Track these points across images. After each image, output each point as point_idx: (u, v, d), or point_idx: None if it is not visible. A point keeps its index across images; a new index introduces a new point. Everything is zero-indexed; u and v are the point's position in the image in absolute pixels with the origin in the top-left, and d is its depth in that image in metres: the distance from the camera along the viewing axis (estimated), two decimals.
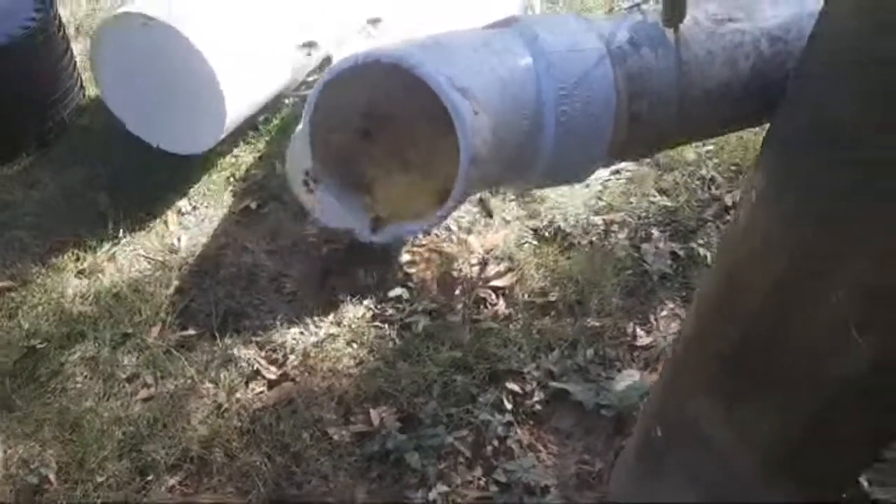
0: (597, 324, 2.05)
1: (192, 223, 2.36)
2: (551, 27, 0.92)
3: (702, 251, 2.20)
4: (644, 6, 1.01)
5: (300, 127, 2.12)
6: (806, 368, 1.05)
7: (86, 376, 1.96)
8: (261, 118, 2.63)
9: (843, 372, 1.02)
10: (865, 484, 1.78)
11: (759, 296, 1.04)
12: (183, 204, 2.40)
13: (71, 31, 2.89)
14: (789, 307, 1.01)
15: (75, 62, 2.61)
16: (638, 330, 2.06)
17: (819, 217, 0.90)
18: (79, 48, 2.80)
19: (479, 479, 1.75)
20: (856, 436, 1.14)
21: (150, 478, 1.77)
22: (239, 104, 2.37)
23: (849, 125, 0.84)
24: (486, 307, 2.10)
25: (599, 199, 2.37)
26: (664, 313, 2.11)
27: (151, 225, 2.33)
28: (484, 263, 2.20)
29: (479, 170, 0.80)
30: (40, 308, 2.10)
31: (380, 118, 0.89)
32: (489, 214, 2.33)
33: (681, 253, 2.22)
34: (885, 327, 0.92)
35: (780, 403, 1.13)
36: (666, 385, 1.40)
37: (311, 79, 2.74)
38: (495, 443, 1.82)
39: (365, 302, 2.12)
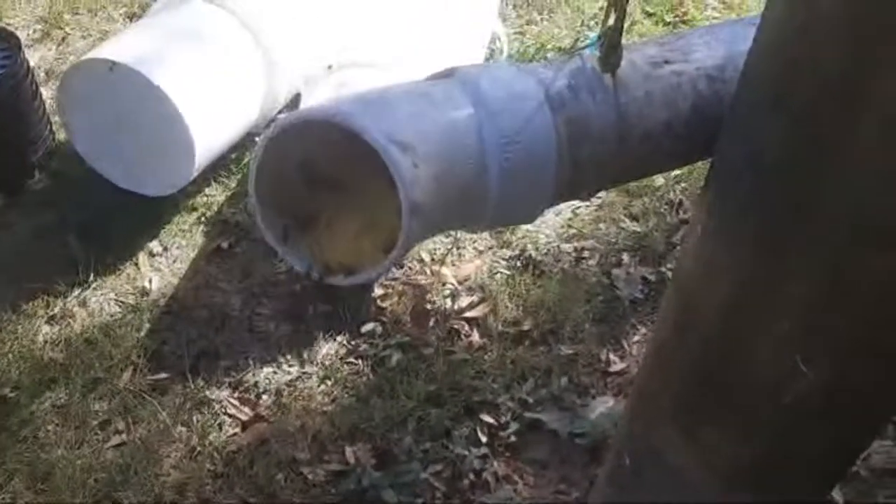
0: (570, 351, 2.06)
1: (163, 264, 2.36)
2: (492, 76, 0.94)
3: (672, 276, 2.22)
4: (585, 52, 1.03)
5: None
6: (761, 392, 1.07)
7: (57, 424, 1.95)
8: (232, 156, 2.64)
9: (796, 396, 1.03)
10: (840, 501, 1.79)
11: (711, 321, 1.05)
12: (154, 245, 2.40)
13: (41, 75, 2.90)
14: (738, 333, 1.03)
15: (45, 107, 2.62)
16: (611, 356, 2.07)
17: (755, 245, 0.92)
18: (49, 93, 2.80)
19: None
20: (819, 455, 1.15)
21: None
22: (208, 144, 2.38)
23: (776, 161, 0.86)
24: (460, 339, 2.11)
25: (570, 226, 2.39)
26: (636, 338, 2.12)
27: (122, 268, 2.32)
28: (457, 295, 2.21)
29: (422, 219, 0.81)
30: (10, 356, 2.08)
31: (324, 172, 0.91)
32: (459, 246, 2.35)
33: (651, 278, 2.24)
34: (829, 356, 0.94)
35: (740, 426, 1.14)
36: (631, 410, 1.41)
37: (280, 116, 2.76)
38: (471, 476, 1.82)
39: (338, 338, 2.12)
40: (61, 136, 2.65)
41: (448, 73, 0.96)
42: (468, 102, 0.90)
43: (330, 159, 0.92)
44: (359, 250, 0.87)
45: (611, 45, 0.98)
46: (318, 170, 0.92)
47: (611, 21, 1.01)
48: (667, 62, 1.04)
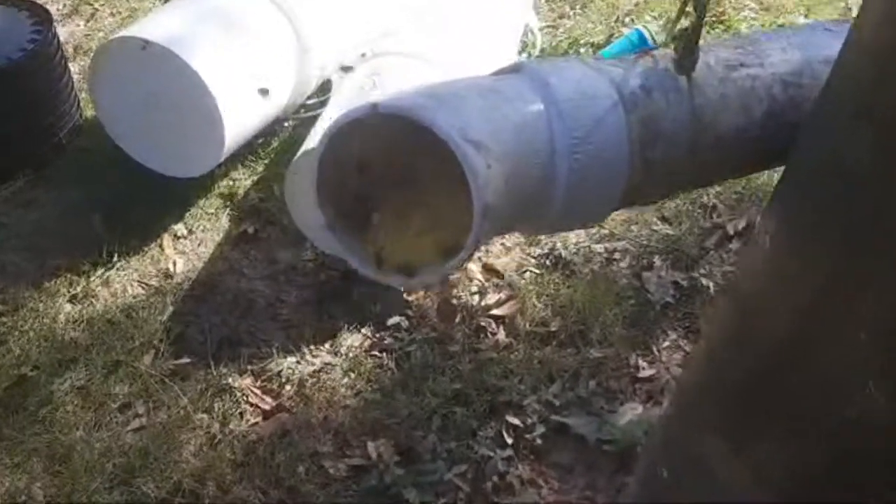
0: (599, 354, 2.02)
1: (188, 248, 2.33)
2: (561, 73, 0.90)
3: (704, 281, 2.18)
4: (655, 52, 0.99)
5: (299, 154, 2.10)
6: (825, 405, 1.03)
7: (77, 405, 1.92)
8: (259, 141, 2.61)
9: (862, 411, 0.99)
10: None
11: (779, 331, 1.01)
12: (179, 228, 2.37)
13: (69, 50, 2.87)
14: (809, 343, 0.99)
15: (73, 83, 2.59)
16: (640, 361, 2.03)
17: (837, 252, 0.88)
18: (77, 68, 2.78)
19: None
20: (881, 473, 1.11)
21: None
22: (238, 128, 2.35)
23: (863, 170, 0.83)
24: (486, 336, 2.07)
25: (601, 227, 2.34)
26: (666, 344, 2.08)
27: (147, 249, 2.29)
28: (484, 292, 2.17)
29: (491, 221, 0.78)
30: (31, 334, 2.06)
31: (382, 166, 0.87)
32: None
33: (683, 283, 2.20)
34: None
35: (799, 440, 1.10)
36: (671, 421, 1.36)
37: (310, 102, 2.72)
38: (495, 478, 1.78)
39: (363, 330, 2.09)
40: (89, 112, 2.62)
41: (514, 69, 0.91)
42: (538, 100, 0.86)
43: (387, 153, 0.88)
44: (419, 249, 0.83)
45: (688, 47, 0.93)
46: (375, 164, 0.88)
47: (683, 21, 0.96)
48: (742, 65, 0.99)
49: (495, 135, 0.80)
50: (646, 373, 2.00)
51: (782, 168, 1.02)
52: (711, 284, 2.17)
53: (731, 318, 1.11)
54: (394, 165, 0.88)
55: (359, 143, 0.85)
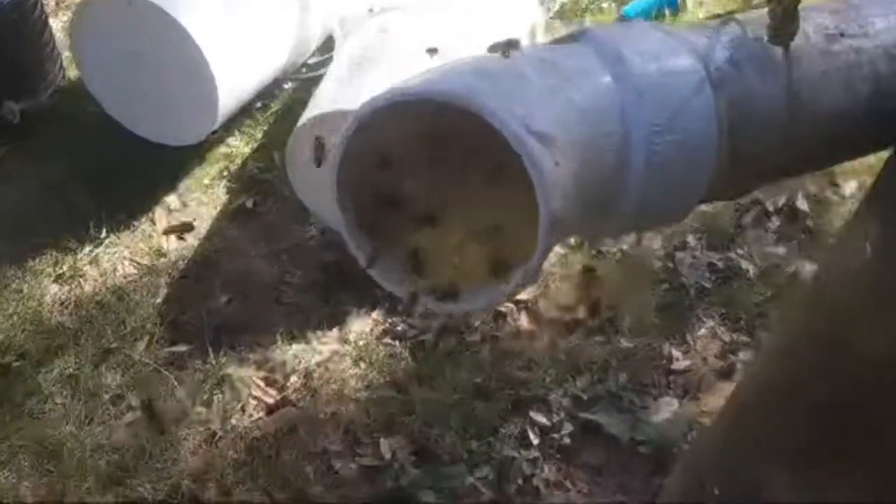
0: (629, 344, 1.87)
1: (182, 222, 2.15)
2: (635, 43, 0.71)
3: (743, 264, 2.01)
4: (740, 17, 0.80)
5: (301, 121, 1.91)
6: None
7: (66, 396, 1.78)
8: (257, 104, 2.41)
9: None
10: None
11: (877, 349, 0.86)
12: (172, 200, 2.19)
13: (50, 4, 2.64)
14: None
15: (54, 41, 2.38)
16: (674, 351, 1.87)
17: None
18: (59, 25, 2.56)
19: None
20: None
21: None
22: (233, 90, 2.15)
23: None
24: (507, 323, 1.91)
25: None
26: (702, 332, 1.92)
27: (137, 224, 2.12)
28: None
29: (558, 231, 0.61)
30: (15, 318, 1.90)
31: (406, 161, 0.69)
32: None
33: (719, 264, 2.03)
34: None
35: (883, 476, 0.95)
36: (728, 439, 1.21)
37: (311, 61, 2.52)
38: (519, 481, 1.64)
39: (373, 315, 1.93)
40: (73, 73, 2.41)
41: (576, 37, 0.73)
42: (608, 77, 0.68)
43: (410, 142, 0.71)
44: (462, 265, 0.67)
45: (787, 11, 0.74)
46: (398, 157, 0.70)
47: None
48: (843, 35, 0.81)
49: (562, 123, 0.62)
50: (680, 364, 1.85)
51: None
52: (751, 267, 2.01)
53: (815, 331, 0.95)
54: (419, 157, 0.71)
55: (380, 132, 0.68)
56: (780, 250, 2.07)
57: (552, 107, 0.62)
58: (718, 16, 0.84)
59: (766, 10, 0.78)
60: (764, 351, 1.11)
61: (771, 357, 1.06)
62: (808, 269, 2.06)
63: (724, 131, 0.72)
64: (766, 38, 0.77)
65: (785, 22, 0.75)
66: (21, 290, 1.96)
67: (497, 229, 0.68)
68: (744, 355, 1.88)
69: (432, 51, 0.64)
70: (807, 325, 0.98)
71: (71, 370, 1.81)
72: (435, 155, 0.72)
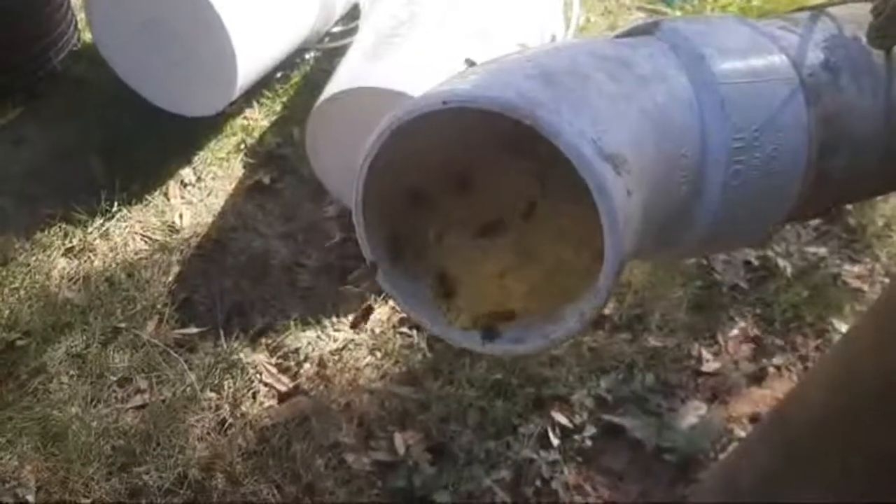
0: (658, 343, 1.79)
1: (196, 197, 2.08)
2: (719, 39, 0.62)
3: (780, 262, 1.91)
4: (832, 10, 0.70)
5: (323, 97, 1.82)
6: None
7: (72, 376, 1.72)
8: (278, 75, 2.32)
9: None
10: None
11: None
12: (186, 173, 2.11)
13: None
14: None
15: (69, 1, 2.28)
16: (704, 352, 1.79)
17: None
18: None
19: None
20: None
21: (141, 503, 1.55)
22: (253, 60, 2.06)
23: None
24: None
25: None
26: (734, 333, 1.84)
27: (150, 198, 2.05)
28: None
29: (623, 265, 0.52)
30: (22, 292, 1.84)
31: (437, 173, 0.61)
32: None
33: (755, 262, 1.94)
34: None
35: None
36: (774, 468, 1.13)
37: (336, 30, 2.42)
38: (538, 483, 1.58)
39: (391, 302, 1.85)
40: (88, 36, 2.32)
41: (648, 29, 0.64)
42: (686, 81, 0.59)
43: (439, 150, 0.62)
44: (504, 298, 0.58)
45: (893, 10, 0.64)
46: (427, 169, 0.62)
47: None
48: None
49: (635, 141, 0.53)
50: (710, 366, 1.77)
51: None
52: (788, 266, 1.91)
53: (883, 365, 0.86)
54: (449, 167, 0.62)
55: (411, 141, 0.59)
56: (821, 249, 1.97)
57: (625, 121, 0.53)
58: (801, 8, 0.73)
59: (862, 4, 0.68)
60: (818, 380, 1.02)
61: (827, 391, 0.97)
62: (849, 269, 1.97)
63: (814, 153, 0.63)
64: (865, 39, 0.67)
65: (892, 21, 0.65)
66: (28, 264, 1.89)
67: (544, 252, 0.60)
68: (777, 359, 1.80)
69: (470, 63, 0.54)
70: (874, 357, 0.89)
71: (78, 349, 1.75)
72: (466, 161, 0.64)
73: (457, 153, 0.62)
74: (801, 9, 0.75)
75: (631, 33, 0.66)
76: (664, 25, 0.63)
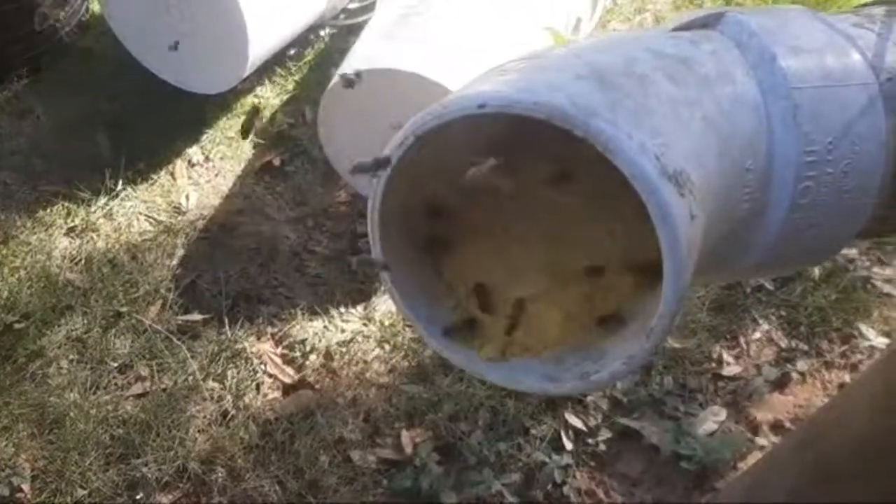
0: (676, 344, 1.72)
1: (203, 177, 2.01)
2: (791, 38, 0.54)
3: None
4: None
5: (337, 77, 1.74)
6: None
7: (71, 361, 1.67)
8: (291, 52, 2.24)
9: None
10: None
11: None
12: (194, 153, 2.05)
13: None
14: None
15: None
16: (725, 355, 1.72)
17: None
18: None
19: None
20: None
21: (139, 496, 1.50)
22: (265, 36, 1.98)
23: None
24: None
25: None
26: (756, 336, 1.77)
27: (156, 177, 1.99)
28: None
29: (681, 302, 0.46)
30: (22, 272, 1.79)
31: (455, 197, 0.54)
32: None
33: None
34: None
35: None
36: (805, 472, 1.06)
37: (351, 6, 2.33)
38: (549, 487, 1.52)
39: None
40: (96, 6, 2.25)
41: (709, 21, 0.56)
42: (754, 84, 0.52)
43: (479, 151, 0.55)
44: (544, 329, 0.52)
45: None
46: (446, 182, 0.55)
47: None
48: None
49: (698, 157, 0.46)
50: (731, 370, 1.70)
51: None
52: (816, 269, 1.83)
53: None
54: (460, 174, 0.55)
55: (431, 148, 0.52)
56: (850, 251, 1.89)
57: (688, 131, 0.46)
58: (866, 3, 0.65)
59: None
60: (858, 397, 0.95)
61: (869, 411, 0.90)
62: (879, 272, 1.89)
63: (891, 166, 0.56)
64: None
65: None
66: (29, 243, 1.84)
67: (592, 272, 0.53)
68: (801, 364, 1.73)
69: (502, 71, 0.47)
70: None
71: (78, 333, 1.70)
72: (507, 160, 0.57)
73: (469, 155, 0.55)
74: (868, 3, 0.67)
75: (689, 26, 0.59)
76: (728, 18, 0.55)
